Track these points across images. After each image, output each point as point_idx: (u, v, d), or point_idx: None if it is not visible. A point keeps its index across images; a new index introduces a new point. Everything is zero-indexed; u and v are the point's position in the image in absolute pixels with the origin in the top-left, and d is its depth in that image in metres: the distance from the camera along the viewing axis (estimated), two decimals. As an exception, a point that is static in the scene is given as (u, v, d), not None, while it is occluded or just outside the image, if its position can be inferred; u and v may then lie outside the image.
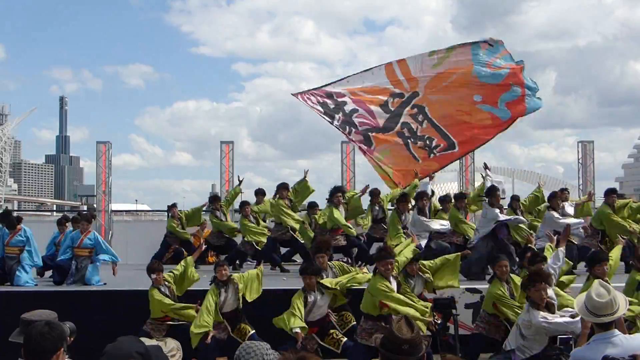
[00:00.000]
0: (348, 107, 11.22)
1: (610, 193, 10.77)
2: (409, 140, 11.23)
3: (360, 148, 11.44)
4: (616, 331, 3.69)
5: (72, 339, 3.99)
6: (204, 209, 12.87)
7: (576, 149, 15.75)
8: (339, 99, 11.21)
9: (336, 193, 10.79)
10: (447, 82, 11.09)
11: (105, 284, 9.69)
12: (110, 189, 14.76)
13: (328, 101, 11.25)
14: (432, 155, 11.29)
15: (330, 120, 11.20)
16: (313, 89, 11.43)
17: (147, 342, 4.64)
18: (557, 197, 10.63)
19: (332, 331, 7.21)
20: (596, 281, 3.93)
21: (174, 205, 12.91)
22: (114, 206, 16.40)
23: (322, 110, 11.22)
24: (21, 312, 3.92)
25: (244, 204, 12.07)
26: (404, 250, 7.59)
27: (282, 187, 11.39)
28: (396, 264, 7.06)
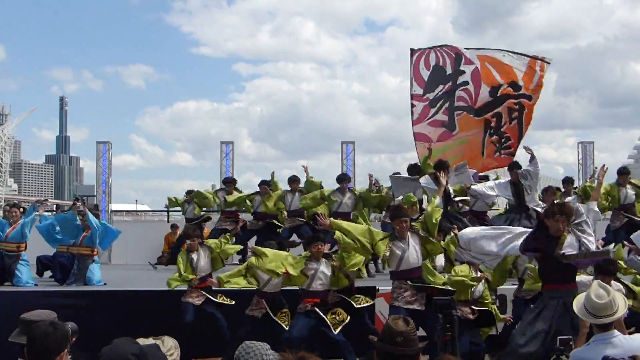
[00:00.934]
0: (463, 78, 11.24)
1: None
2: (489, 132, 11.24)
3: (419, 136, 11.25)
4: (616, 332, 3.70)
5: (74, 339, 3.99)
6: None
7: (576, 149, 15.77)
8: (463, 66, 11.23)
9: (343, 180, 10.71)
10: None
11: (105, 284, 9.70)
12: (110, 189, 14.76)
13: (449, 63, 11.29)
14: (497, 154, 11.32)
15: (421, 92, 11.25)
16: (441, 46, 11.43)
17: (145, 342, 4.64)
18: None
19: (335, 309, 7.33)
20: (595, 282, 3.94)
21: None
22: (114, 206, 16.40)
23: (426, 77, 11.28)
24: (21, 312, 3.91)
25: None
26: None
27: (293, 181, 11.29)
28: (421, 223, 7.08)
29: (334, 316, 7.34)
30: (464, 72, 11.27)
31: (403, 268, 7.00)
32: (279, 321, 7.41)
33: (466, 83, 11.24)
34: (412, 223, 7.09)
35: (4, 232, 9.66)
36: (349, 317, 7.38)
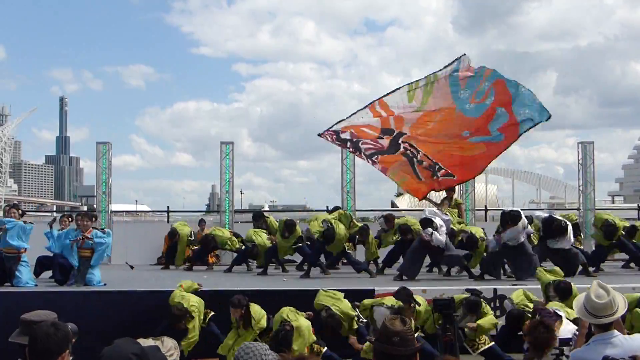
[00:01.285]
0: (352, 139, 11.55)
1: None
2: (414, 160, 11.53)
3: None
4: (615, 332, 3.69)
5: (74, 340, 3.99)
6: None
7: (576, 149, 15.76)
8: (342, 135, 11.50)
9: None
10: (432, 123, 11.21)
11: (105, 284, 9.70)
12: (110, 189, 14.76)
13: (341, 136, 11.60)
14: (435, 177, 11.61)
15: (353, 151, 12.04)
16: (330, 129, 11.62)
17: (145, 342, 4.64)
18: None
19: None
20: (595, 282, 3.93)
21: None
22: (114, 207, 16.40)
23: (345, 144, 11.84)
24: (21, 312, 3.92)
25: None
26: None
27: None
28: None
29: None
30: (347, 135, 11.52)
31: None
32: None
33: (359, 140, 11.53)
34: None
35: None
36: None
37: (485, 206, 22.74)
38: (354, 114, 11.45)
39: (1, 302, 8.55)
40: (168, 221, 16.76)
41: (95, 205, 14.92)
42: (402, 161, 11.53)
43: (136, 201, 62.56)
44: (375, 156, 11.53)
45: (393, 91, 11.27)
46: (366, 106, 11.32)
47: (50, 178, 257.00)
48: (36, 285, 9.62)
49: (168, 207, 17.98)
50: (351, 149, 11.97)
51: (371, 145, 11.51)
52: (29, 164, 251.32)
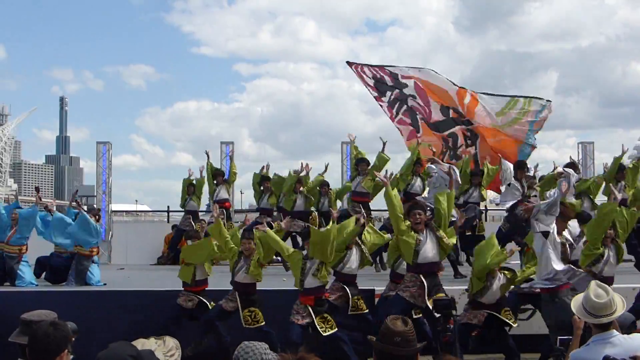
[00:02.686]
0: (408, 90, 11.51)
1: None
2: (448, 151, 11.50)
3: (400, 129, 11.69)
4: (615, 331, 3.69)
5: (73, 339, 4.00)
6: None
7: (576, 149, 15.74)
8: (403, 80, 11.47)
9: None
10: (495, 139, 11.29)
11: (105, 284, 9.70)
12: (110, 189, 14.75)
13: (387, 78, 11.59)
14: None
15: (377, 95, 11.61)
16: (373, 65, 11.77)
17: (146, 342, 4.65)
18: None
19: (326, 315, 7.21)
20: (593, 282, 3.94)
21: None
22: (114, 206, 16.38)
23: (372, 83, 11.62)
24: (21, 312, 3.92)
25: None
26: None
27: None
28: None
29: (323, 322, 7.23)
30: (406, 85, 11.57)
31: (420, 261, 7.02)
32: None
33: (414, 97, 11.52)
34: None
35: (6, 233, 9.66)
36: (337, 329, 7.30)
37: (485, 206, 22.66)
38: (436, 73, 11.45)
39: (1, 302, 8.55)
40: (168, 221, 16.74)
41: (95, 205, 14.88)
42: (436, 140, 11.39)
43: (136, 201, 62.50)
44: (420, 116, 11.41)
45: (491, 94, 11.35)
46: (457, 87, 11.34)
47: (50, 178, 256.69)
48: (37, 285, 9.62)
49: (168, 207, 17.93)
50: (373, 88, 11.66)
51: (422, 110, 11.40)
52: (29, 164, 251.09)
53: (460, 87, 11.38)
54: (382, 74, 11.66)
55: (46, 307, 4.09)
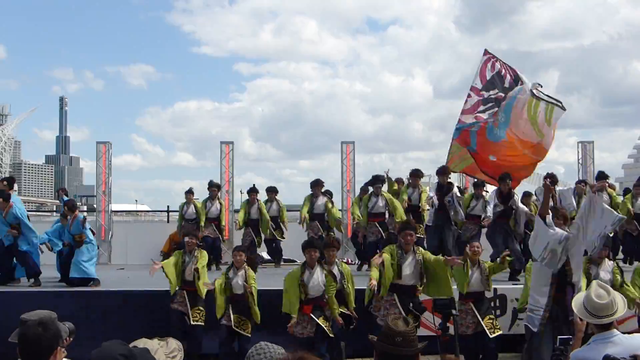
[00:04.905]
0: (512, 94, 11.32)
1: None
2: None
3: (463, 122, 11.62)
4: (615, 331, 3.70)
5: (71, 339, 3.99)
6: None
7: (576, 149, 15.75)
8: (519, 86, 11.44)
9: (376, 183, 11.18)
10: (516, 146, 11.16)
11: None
12: (110, 189, 14.75)
13: (509, 79, 11.66)
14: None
15: (479, 87, 11.67)
16: (508, 64, 11.83)
17: (148, 343, 4.65)
18: None
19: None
20: (594, 282, 3.94)
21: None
22: (114, 206, 16.38)
23: (487, 76, 11.72)
24: (21, 312, 3.92)
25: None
26: None
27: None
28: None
29: (326, 321, 7.34)
30: (517, 91, 11.37)
31: (396, 281, 7.10)
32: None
33: (512, 105, 11.20)
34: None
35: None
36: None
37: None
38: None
39: (1, 302, 8.55)
40: (168, 221, 16.75)
41: (95, 205, 14.88)
42: (491, 154, 11.29)
43: (136, 201, 62.54)
44: (488, 128, 11.26)
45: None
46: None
47: (50, 178, 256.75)
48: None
49: (168, 206, 17.94)
50: (483, 78, 11.76)
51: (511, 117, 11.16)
52: (29, 164, 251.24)
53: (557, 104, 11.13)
54: (509, 73, 11.70)
55: (46, 307, 4.08)
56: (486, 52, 12.09)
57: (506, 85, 11.66)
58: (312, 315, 7.26)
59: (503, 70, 11.77)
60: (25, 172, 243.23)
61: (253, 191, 12.39)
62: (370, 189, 11.38)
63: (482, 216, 10.66)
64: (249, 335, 7.61)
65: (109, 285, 9.70)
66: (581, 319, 3.93)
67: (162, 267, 7.99)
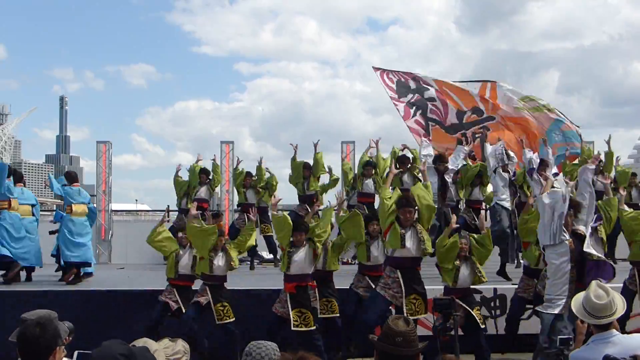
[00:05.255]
0: (428, 94, 12.51)
1: None
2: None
3: (412, 129, 12.44)
4: (614, 331, 3.70)
5: (70, 338, 4.00)
6: None
7: (576, 149, 15.73)
8: (423, 85, 12.53)
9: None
10: (518, 132, 12.00)
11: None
12: (110, 188, 14.75)
13: (411, 82, 12.66)
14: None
15: (397, 96, 12.56)
16: (399, 71, 12.89)
17: (154, 343, 4.64)
18: None
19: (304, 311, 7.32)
20: (594, 282, 3.94)
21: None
22: (114, 206, 16.37)
23: (394, 87, 12.62)
24: (21, 312, 3.92)
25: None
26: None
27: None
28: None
29: (298, 315, 7.30)
30: (427, 89, 12.56)
31: (397, 255, 7.04)
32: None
33: (433, 99, 12.48)
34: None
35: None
36: (315, 327, 7.37)
37: (486, 206, 22.63)
38: (463, 82, 12.49)
39: (1, 302, 8.55)
40: (168, 221, 16.71)
41: (95, 205, 14.86)
42: (449, 146, 11.82)
43: (136, 200, 62.42)
44: (433, 123, 12.30)
45: (510, 89, 12.27)
46: (480, 81, 12.37)
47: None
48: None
49: (168, 206, 17.89)
50: (393, 90, 12.60)
51: (438, 113, 12.31)
52: (29, 163, 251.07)
53: (484, 82, 12.27)
54: (406, 77, 12.66)
55: (46, 307, 4.09)
56: (375, 68, 12.97)
57: (412, 87, 12.64)
58: (289, 302, 7.29)
59: (400, 78, 12.72)
60: (25, 172, 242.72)
61: (249, 176, 12.40)
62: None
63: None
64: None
65: (109, 285, 9.70)
66: (582, 321, 3.93)
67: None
